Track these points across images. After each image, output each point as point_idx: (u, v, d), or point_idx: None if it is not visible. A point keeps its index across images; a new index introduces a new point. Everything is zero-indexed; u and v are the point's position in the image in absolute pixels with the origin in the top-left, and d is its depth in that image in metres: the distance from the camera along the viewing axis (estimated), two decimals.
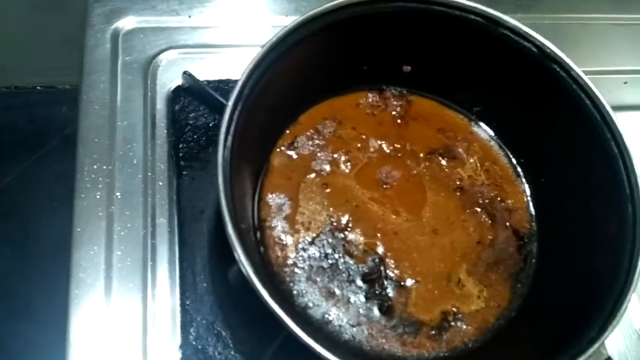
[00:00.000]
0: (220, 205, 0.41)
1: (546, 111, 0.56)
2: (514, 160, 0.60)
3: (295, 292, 0.51)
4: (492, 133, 0.62)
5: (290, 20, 0.49)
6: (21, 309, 0.95)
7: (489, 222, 0.57)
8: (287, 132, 0.58)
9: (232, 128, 0.45)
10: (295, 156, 0.57)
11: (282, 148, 0.58)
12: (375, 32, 0.56)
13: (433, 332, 0.51)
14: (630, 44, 0.82)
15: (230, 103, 0.45)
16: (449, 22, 0.55)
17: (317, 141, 0.58)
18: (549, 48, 0.53)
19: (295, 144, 0.58)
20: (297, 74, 0.54)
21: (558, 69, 0.53)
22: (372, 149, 0.58)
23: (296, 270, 0.52)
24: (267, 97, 0.50)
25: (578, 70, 0.52)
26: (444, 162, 0.59)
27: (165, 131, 0.63)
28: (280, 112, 0.57)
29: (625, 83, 0.78)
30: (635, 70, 0.79)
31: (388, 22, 0.55)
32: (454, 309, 0.52)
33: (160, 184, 0.60)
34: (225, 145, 0.43)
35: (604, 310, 0.44)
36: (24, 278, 0.97)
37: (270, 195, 0.54)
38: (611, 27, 0.82)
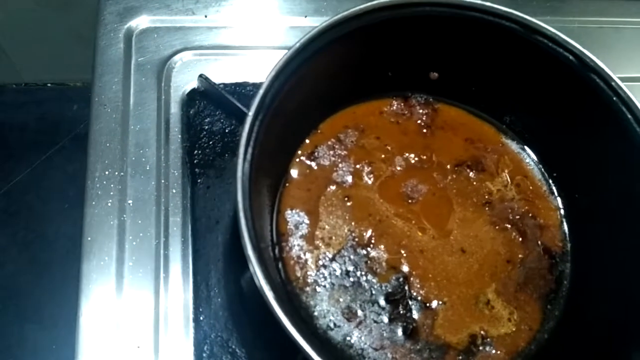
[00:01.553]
0: (239, 225, 0.38)
1: (582, 123, 0.53)
2: (546, 174, 0.57)
3: (316, 313, 0.48)
4: (523, 145, 0.59)
5: (309, 22, 0.47)
6: (30, 313, 0.93)
7: (520, 239, 0.54)
8: (307, 141, 0.56)
9: (253, 139, 0.42)
10: (315, 167, 0.55)
11: (302, 158, 0.55)
12: (401, 37, 0.53)
13: (460, 357, 0.48)
14: None
15: (251, 113, 0.42)
16: (481, 28, 0.52)
17: (338, 151, 0.56)
18: (589, 57, 0.49)
19: (316, 153, 0.55)
20: (319, 81, 0.51)
21: (597, 80, 0.49)
22: (396, 160, 0.56)
23: (317, 289, 0.49)
24: (288, 105, 0.47)
25: (619, 81, 0.49)
26: (472, 175, 0.56)
27: (180, 136, 0.60)
28: (300, 120, 0.54)
29: None
30: None
31: (415, 27, 0.53)
32: (482, 332, 0.49)
33: (174, 191, 0.58)
34: (245, 158, 0.41)
35: None
36: (33, 281, 0.95)
37: (289, 212, 0.52)
38: None
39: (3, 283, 0.95)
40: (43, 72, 1.12)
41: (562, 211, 0.56)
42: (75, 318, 0.51)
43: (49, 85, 1.15)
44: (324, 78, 0.50)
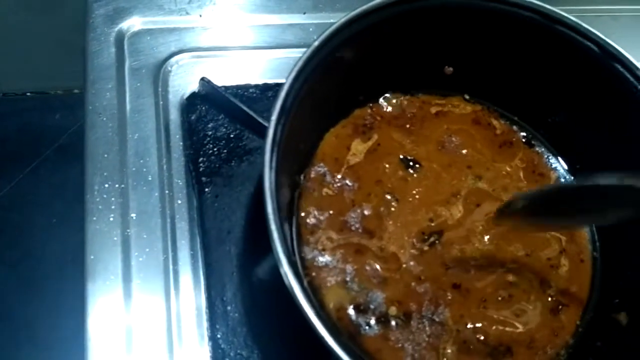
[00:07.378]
0: (273, 245, 0.35)
1: (609, 119, 0.51)
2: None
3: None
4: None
5: (308, 19, 0.44)
6: (23, 335, 0.88)
7: None
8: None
9: (276, 145, 0.39)
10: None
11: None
12: (414, 33, 0.51)
13: None
14: None
15: (274, 117, 0.39)
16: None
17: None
18: (612, 47, 0.48)
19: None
20: (337, 80, 0.48)
21: (621, 70, 0.48)
22: None
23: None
24: (306, 106, 0.45)
25: None
26: None
27: (182, 143, 0.57)
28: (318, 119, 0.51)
29: None
30: None
31: (435, 21, 0.51)
32: None
33: (179, 202, 0.55)
34: (271, 166, 0.38)
35: None
36: (24, 301, 0.90)
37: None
38: None
39: None
40: (21, 80, 1.06)
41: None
42: (83, 343, 0.48)
43: (28, 94, 1.09)
44: (343, 76, 0.48)
